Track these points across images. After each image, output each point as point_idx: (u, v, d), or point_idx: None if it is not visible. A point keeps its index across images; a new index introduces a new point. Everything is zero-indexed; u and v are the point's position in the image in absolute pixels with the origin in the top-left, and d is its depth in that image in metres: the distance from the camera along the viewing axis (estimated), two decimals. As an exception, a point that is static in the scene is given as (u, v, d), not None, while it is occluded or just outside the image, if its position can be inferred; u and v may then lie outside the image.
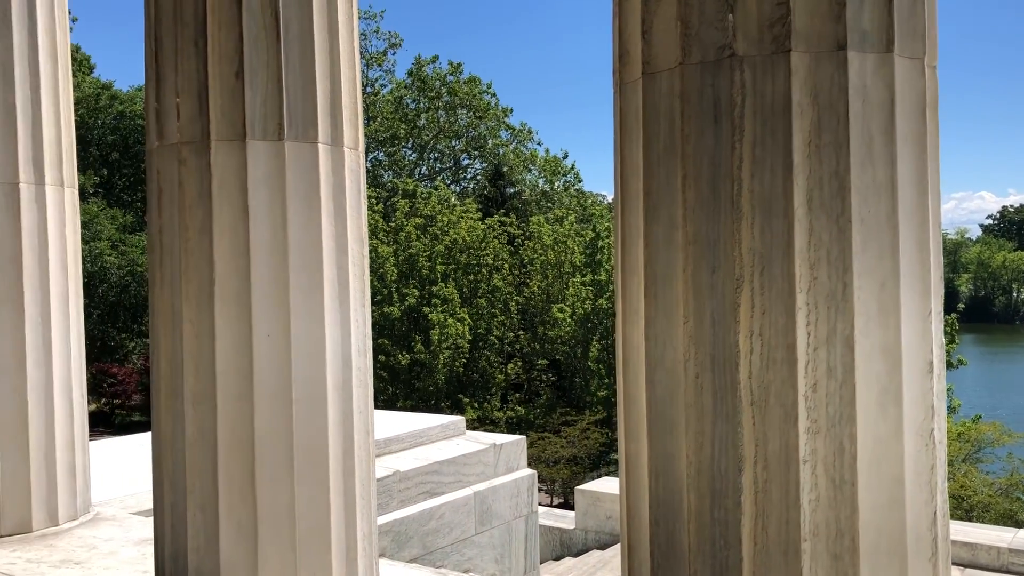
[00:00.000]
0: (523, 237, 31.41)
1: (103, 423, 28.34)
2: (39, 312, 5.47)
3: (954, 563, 9.19)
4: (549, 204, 38.58)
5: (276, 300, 3.85)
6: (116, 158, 35.81)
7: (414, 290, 28.01)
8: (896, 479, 2.29)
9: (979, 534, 9.73)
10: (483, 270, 29.13)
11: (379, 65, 40.58)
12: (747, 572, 2.29)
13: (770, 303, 2.27)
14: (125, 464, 7.64)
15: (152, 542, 4.72)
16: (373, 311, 25.32)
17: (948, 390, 19.08)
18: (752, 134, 2.30)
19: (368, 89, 39.49)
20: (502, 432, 14.28)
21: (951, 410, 23.63)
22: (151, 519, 5.19)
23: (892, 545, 2.30)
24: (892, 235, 2.30)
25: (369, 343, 4.27)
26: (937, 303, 2.40)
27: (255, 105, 3.81)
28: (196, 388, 3.86)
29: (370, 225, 27.45)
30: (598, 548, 11.34)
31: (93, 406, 27.82)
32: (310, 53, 3.90)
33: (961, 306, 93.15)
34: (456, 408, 25.70)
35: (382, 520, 7.16)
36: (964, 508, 17.27)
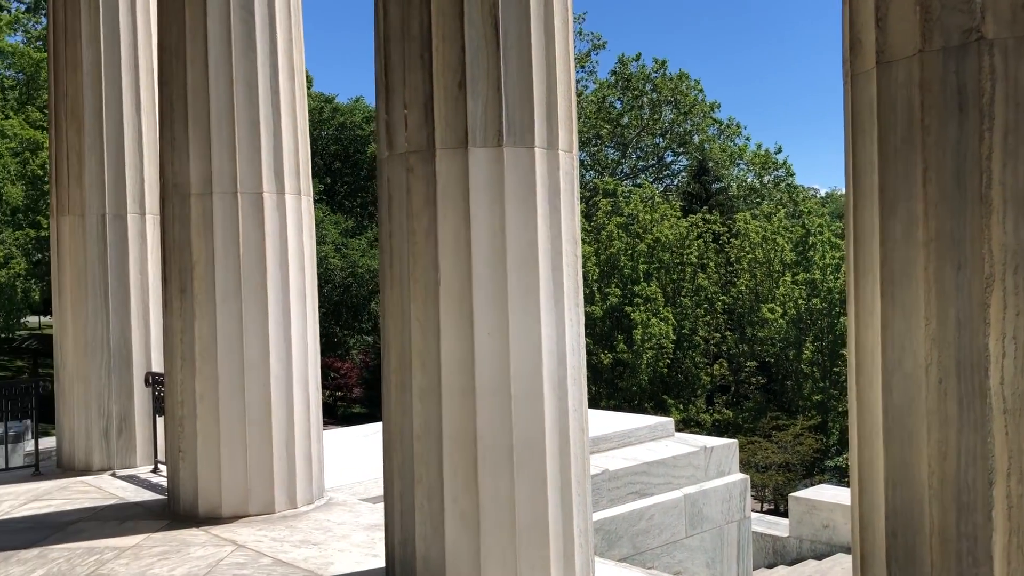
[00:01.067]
0: (728, 235, 30.63)
1: (327, 414, 30.19)
2: (280, 311, 5.96)
3: None
4: (757, 199, 37.36)
5: (495, 300, 4.00)
6: (338, 167, 38.23)
7: (616, 289, 28.03)
8: None
9: None
10: (687, 269, 28.68)
11: (582, 67, 40.87)
12: (999, 593, 2.13)
13: (1025, 304, 2.11)
14: (351, 453, 8.17)
15: (381, 528, 5.02)
16: (577, 310, 25.47)
17: None
18: (1004, 122, 2.14)
19: (572, 91, 39.70)
20: (708, 435, 14.00)
21: None
22: (378, 505, 5.53)
23: None
24: None
25: (583, 342, 4.34)
26: None
27: (476, 113, 3.97)
28: (423, 383, 4.07)
29: (574, 225, 27.62)
30: (814, 558, 10.88)
31: (319, 398, 29.79)
32: (527, 60, 4.01)
33: None
34: (659, 409, 25.46)
35: (593, 518, 7.22)
36: None
